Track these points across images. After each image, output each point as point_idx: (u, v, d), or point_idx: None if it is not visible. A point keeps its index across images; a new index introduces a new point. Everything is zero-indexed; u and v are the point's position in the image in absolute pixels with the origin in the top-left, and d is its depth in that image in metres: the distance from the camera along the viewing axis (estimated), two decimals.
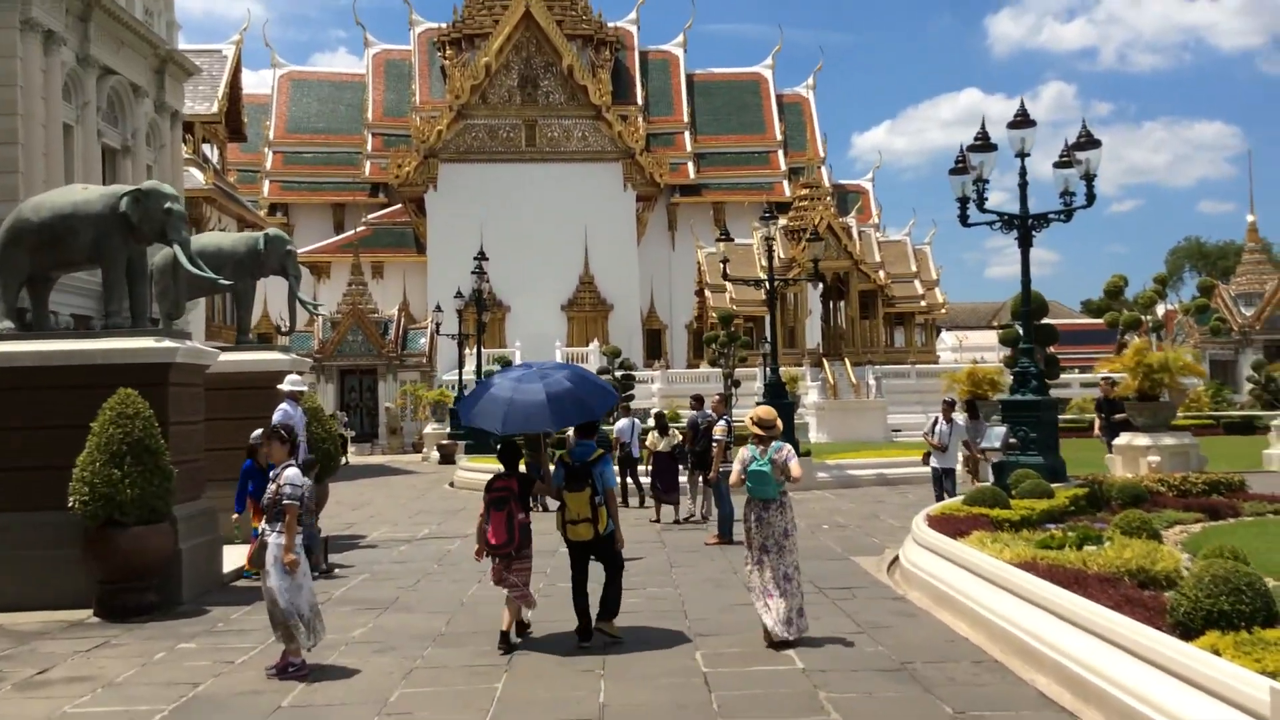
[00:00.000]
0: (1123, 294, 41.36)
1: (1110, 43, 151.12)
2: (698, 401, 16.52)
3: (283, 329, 14.67)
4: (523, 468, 8.71)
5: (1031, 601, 7.71)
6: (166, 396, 10.49)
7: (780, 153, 61.87)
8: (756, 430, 8.36)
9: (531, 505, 11.29)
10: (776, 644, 7.94)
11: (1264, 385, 37.38)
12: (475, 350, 30.13)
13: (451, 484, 23.83)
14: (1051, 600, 7.38)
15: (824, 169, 58.92)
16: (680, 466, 16.48)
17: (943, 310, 48.87)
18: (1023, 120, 14.32)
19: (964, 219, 14.69)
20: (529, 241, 54.06)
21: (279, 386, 12.15)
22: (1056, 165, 14.63)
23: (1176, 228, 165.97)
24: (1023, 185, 14.54)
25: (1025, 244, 14.36)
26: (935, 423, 14.96)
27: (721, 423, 14.16)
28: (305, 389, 12.49)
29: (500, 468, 8.56)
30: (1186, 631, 6.15)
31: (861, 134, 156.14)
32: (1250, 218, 49.39)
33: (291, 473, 7.52)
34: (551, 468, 8.54)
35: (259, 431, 11.88)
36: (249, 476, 10.76)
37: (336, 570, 12.12)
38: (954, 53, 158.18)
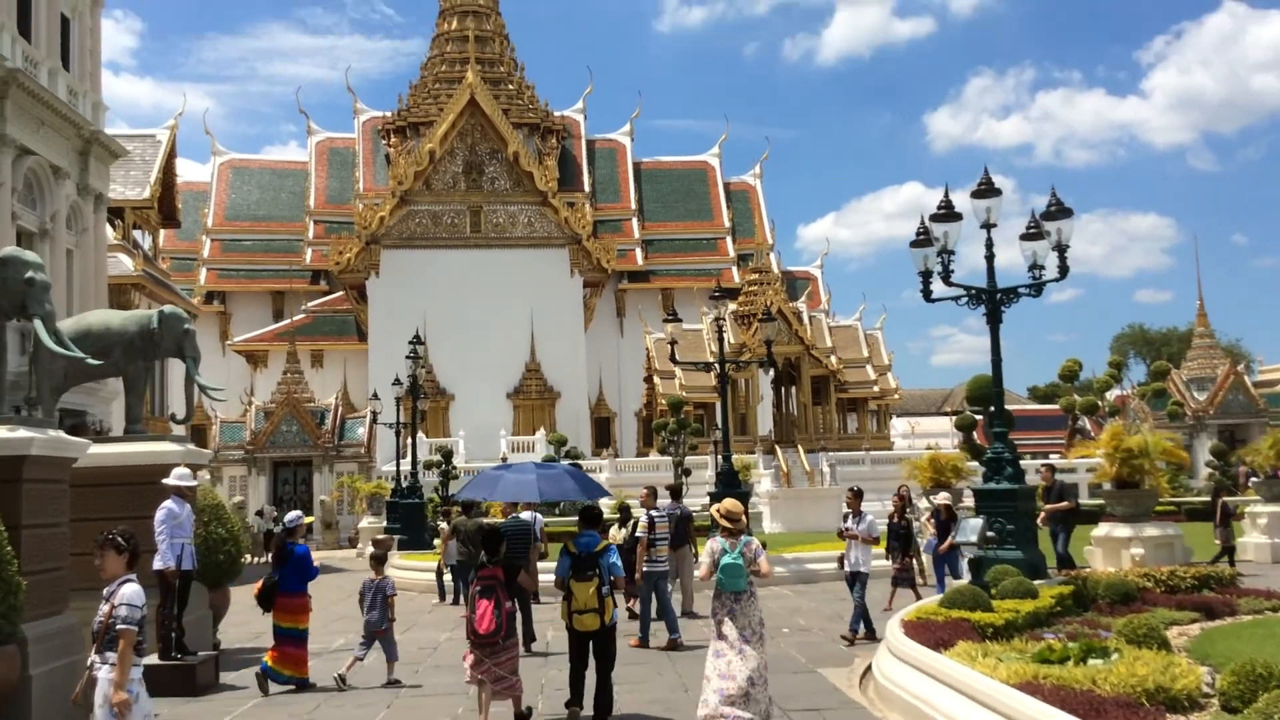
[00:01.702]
0: (1077, 377, 40.95)
1: (1045, 139, 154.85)
2: (674, 492, 16.65)
3: (178, 417, 13.08)
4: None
5: None
6: (19, 494, 8.95)
7: (728, 239, 61.52)
8: (725, 523, 8.27)
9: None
10: None
11: (1224, 470, 36.71)
12: (411, 440, 28.49)
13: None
14: None
15: (773, 255, 58.55)
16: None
17: (896, 396, 48.09)
18: (987, 189, 13.38)
19: (927, 294, 13.64)
20: (474, 328, 52.79)
21: (164, 481, 10.62)
22: (1024, 237, 13.67)
23: (1116, 316, 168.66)
24: (989, 258, 13.52)
25: (995, 319, 13.30)
26: (846, 518, 13.47)
27: (644, 517, 13.53)
28: (195, 484, 10.98)
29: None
30: None
31: (807, 225, 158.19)
32: (1199, 303, 49.35)
33: (130, 590, 6.04)
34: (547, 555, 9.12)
35: (296, 514, 11.72)
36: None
37: (225, 691, 10.47)
38: (895, 148, 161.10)
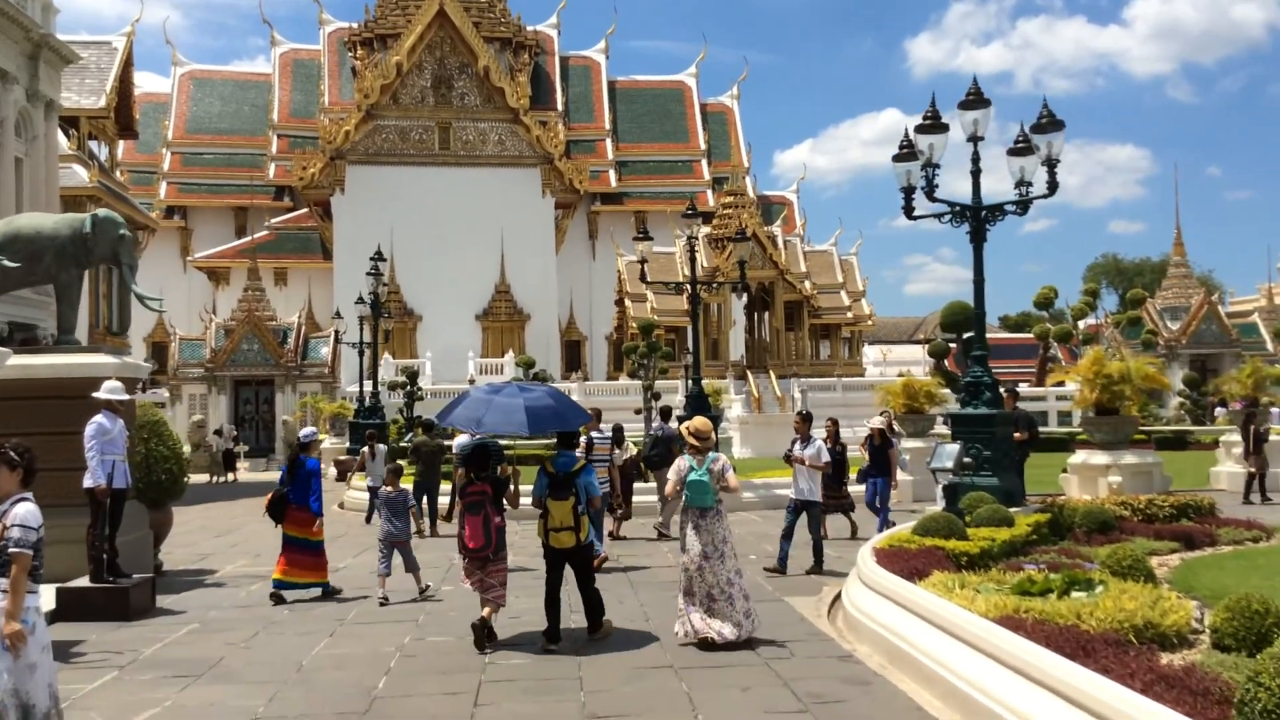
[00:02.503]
0: (1053, 304, 40.56)
1: (1025, 67, 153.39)
2: (664, 413, 16.61)
3: (113, 328, 12.34)
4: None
5: (1028, 676, 5.88)
6: None
7: (704, 162, 60.44)
8: (693, 441, 8.46)
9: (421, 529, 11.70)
10: (720, 646, 7.99)
11: (1195, 401, 36.62)
12: (373, 359, 27.74)
13: (341, 505, 21.53)
14: (1061, 680, 5.54)
15: (748, 178, 57.63)
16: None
17: (870, 322, 47.68)
18: (976, 100, 12.72)
19: (909, 211, 13.03)
20: (442, 248, 51.76)
21: (94, 395, 9.92)
22: (1012, 152, 13.04)
23: (1089, 247, 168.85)
24: (975, 173, 12.92)
25: (979, 239, 12.73)
26: (794, 443, 12.25)
27: (584, 438, 12.90)
28: (128, 398, 10.28)
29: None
30: None
31: (784, 152, 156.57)
32: (1176, 231, 48.98)
33: (23, 510, 5.39)
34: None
35: (311, 429, 11.85)
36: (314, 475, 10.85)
37: (161, 616, 9.91)
38: (875, 74, 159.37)
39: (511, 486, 8.81)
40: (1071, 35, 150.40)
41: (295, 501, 10.68)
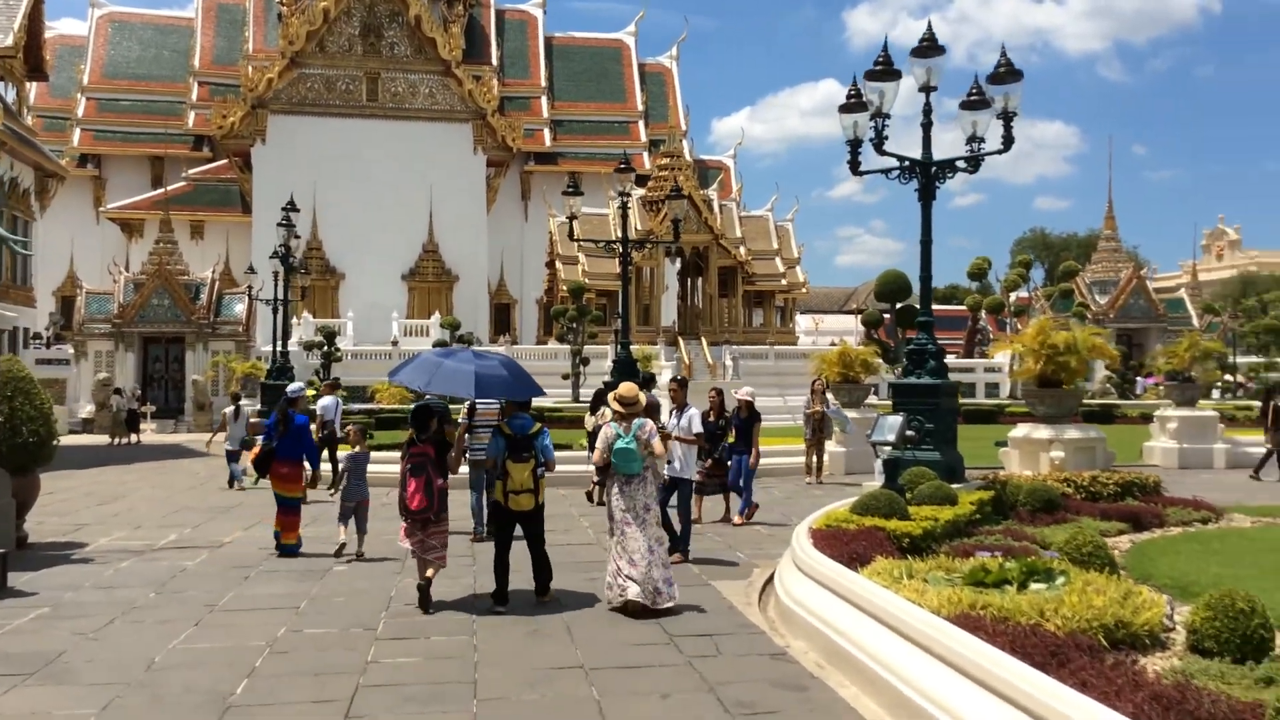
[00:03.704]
0: (986, 275, 40.32)
1: (961, 41, 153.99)
2: (645, 382, 15.13)
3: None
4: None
5: (993, 689, 5.03)
6: None
7: (641, 124, 59.22)
8: (618, 408, 8.42)
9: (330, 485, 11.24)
10: (637, 613, 7.90)
11: (1122, 375, 36.59)
12: (283, 316, 26.29)
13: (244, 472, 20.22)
14: (1033, 697, 4.68)
15: (685, 141, 56.53)
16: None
17: (804, 290, 47.08)
18: (930, 46, 11.83)
19: (855, 165, 12.15)
20: (367, 204, 50.03)
21: None
22: (964, 106, 12.19)
23: (1016, 222, 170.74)
24: (926, 125, 12.06)
25: (928, 195, 11.88)
26: (671, 413, 11.06)
27: (467, 404, 11.42)
28: None
29: None
30: None
31: (722, 119, 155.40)
32: (1108, 205, 48.96)
33: None
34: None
35: (299, 385, 12.26)
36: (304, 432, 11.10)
37: (10, 599, 8.72)
38: (814, 44, 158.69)
39: (454, 451, 8.78)
40: (1008, 10, 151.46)
41: (283, 457, 10.84)
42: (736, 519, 13.00)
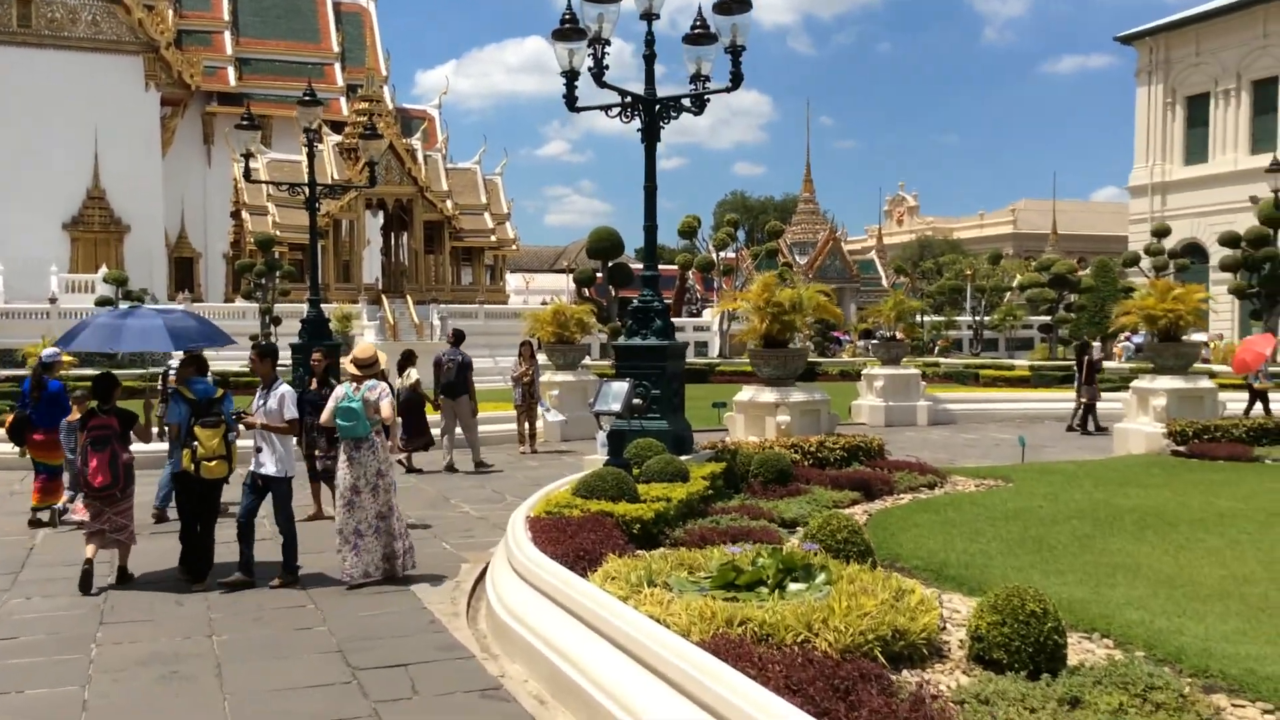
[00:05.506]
0: (696, 233, 40.50)
1: (665, 10, 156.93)
2: (457, 336, 15.38)
3: None
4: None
5: None
6: None
7: (337, 66, 55.54)
8: (352, 369, 8.03)
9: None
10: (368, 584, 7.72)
11: (822, 333, 37.75)
12: None
13: None
14: None
15: (387, 88, 53.47)
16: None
17: (514, 247, 45.61)
18: None
19: (571, 102, 10.81)
20: (19, 143, 44.03)
21: None
22: (688, 40, 11.06)
23: (716, 186, 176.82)
24: (648, 57, 10.86)
25: (652, 134, 10.71)
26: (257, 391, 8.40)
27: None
28: None
29: None
30: None
31: (426, 71, 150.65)
32: (806, 169, 50.60)
33: None
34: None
35: (54, 349, 11.25)
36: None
37: None
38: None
39: (143, 419, 8.56)
40: None
41: (40, 425, 10.43)
42: None
